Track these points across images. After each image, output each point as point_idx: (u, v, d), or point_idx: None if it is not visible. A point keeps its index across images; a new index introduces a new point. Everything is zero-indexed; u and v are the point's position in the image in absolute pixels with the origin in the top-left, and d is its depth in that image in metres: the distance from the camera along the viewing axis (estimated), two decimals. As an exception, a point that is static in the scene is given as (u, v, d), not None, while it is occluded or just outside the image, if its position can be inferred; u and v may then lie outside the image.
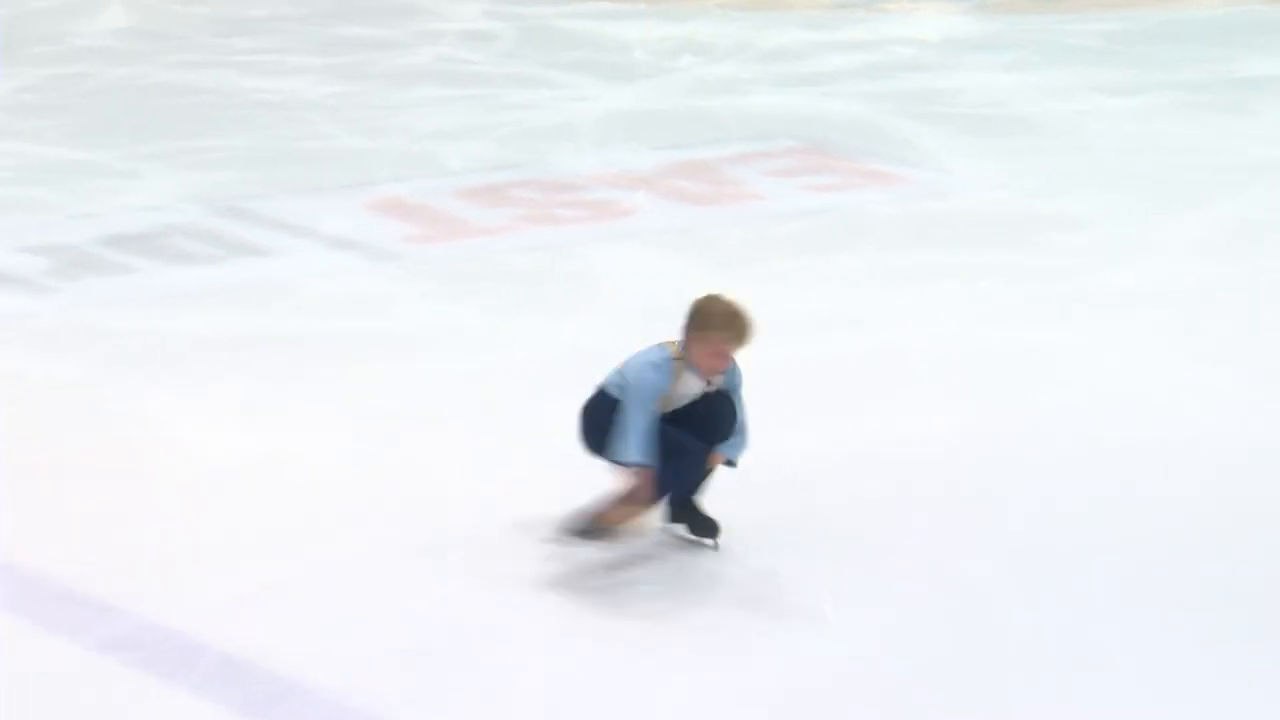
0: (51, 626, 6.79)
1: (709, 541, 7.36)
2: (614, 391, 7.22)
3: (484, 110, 14.15)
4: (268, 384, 9.08)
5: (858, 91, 14.88)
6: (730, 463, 7.36)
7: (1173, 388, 9.16)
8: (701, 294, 7.29)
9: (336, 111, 14.08)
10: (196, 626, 6.74)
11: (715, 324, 7.20)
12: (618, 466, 7.17)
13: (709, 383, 7.27)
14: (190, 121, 13.72)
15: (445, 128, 13.65)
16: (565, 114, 14.11)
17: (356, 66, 15.47)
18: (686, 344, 7.22)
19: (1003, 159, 13.08)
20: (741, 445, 7.36)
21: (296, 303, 10.23)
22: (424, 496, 7.81)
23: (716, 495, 7.40)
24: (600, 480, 7.39)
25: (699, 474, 7.33)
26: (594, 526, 7.33)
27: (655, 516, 7.34)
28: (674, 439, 7.18)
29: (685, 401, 7.25)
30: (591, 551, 7.29)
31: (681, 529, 7.39)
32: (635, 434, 7.10)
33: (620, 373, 7.24)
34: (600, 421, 7.21)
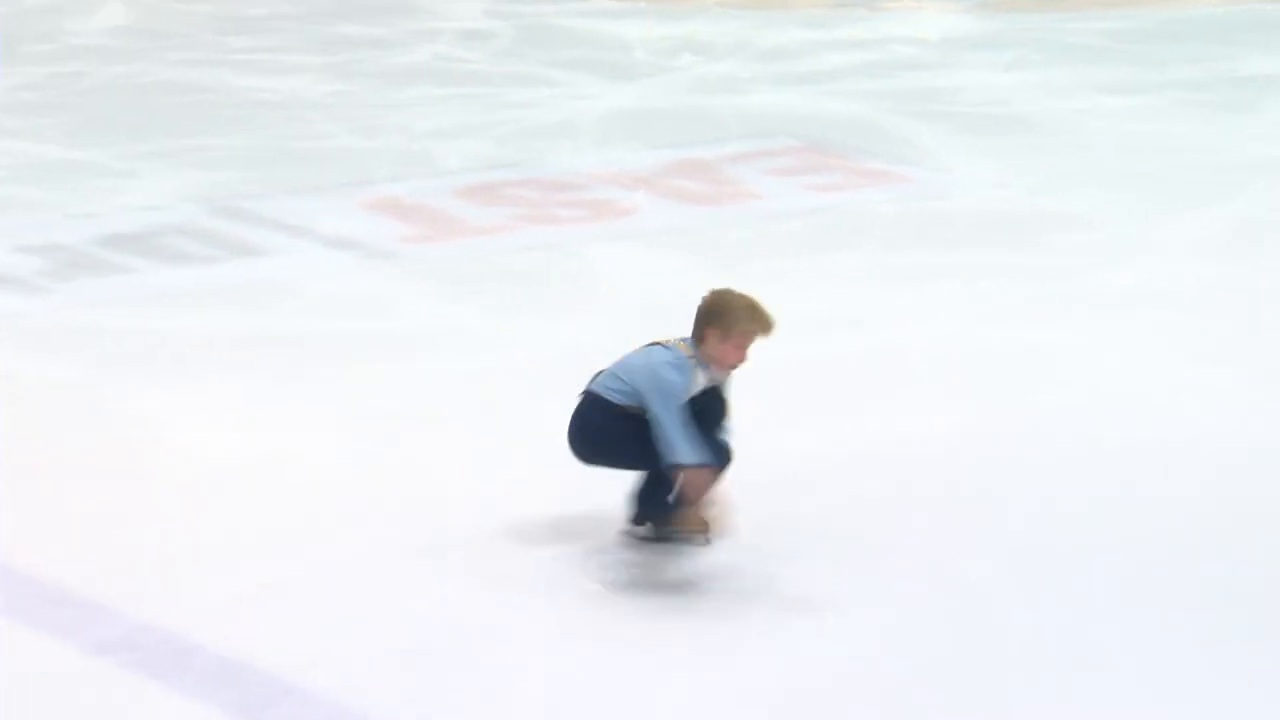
0: (48, 628, 6.78)
1: (700, 538, 7.35)
2: (617, 398, 7.19)
3: (482, 109, 14.14)
4: (266, 384, 9.07)
5: (858, 90, 14.87)
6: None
7: (1173, 388, 9.15)
8: (708, 291, 7.26)
9: (334, 110, 14.07)
10: (194, 627, 6.73)
11: (741, 318, 7.17)
12: (675, 470, 7.08)
13: (710, 380, 7.26)
14: (188, 120, 13.71)
15: (443, 126, 13.65)
16: (564, 113, 14.10)
17: (354, 65, 15.46)
18: (703, 341, 7.20)
19: (1003, 158, 13.07)
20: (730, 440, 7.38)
21: (294, 303, 10.22)
22: (424, 496, 7.81)
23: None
24: (602, 482, 7.40)
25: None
26: (670, 532, 7.29)
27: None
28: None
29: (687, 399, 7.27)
30: (591, 552, 7.28)
31: (666, 531, 7.38)
32: (683, 436, 7.07)
33: (621, 378, 7.21)
34: (605, 430, 7.19)
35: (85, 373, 9.17)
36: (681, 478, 7.07)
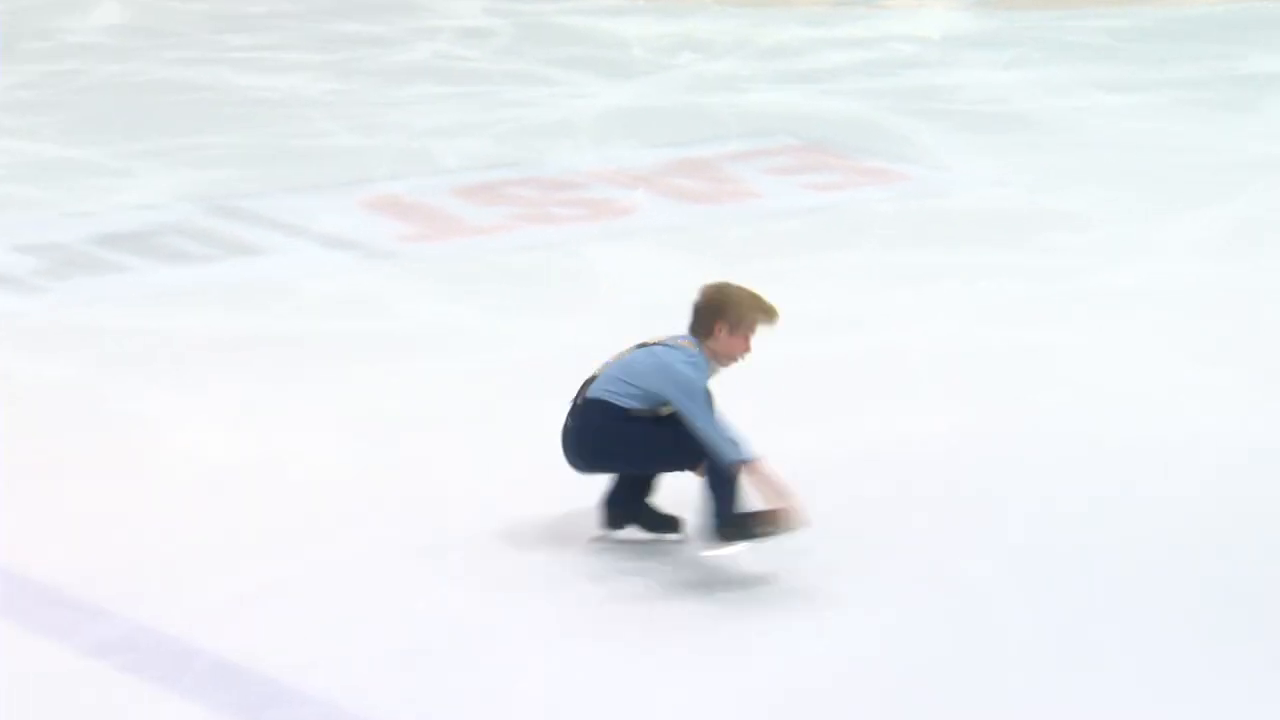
0: (46, 629, 6.78)
1: (673, 536, 7.35)
2: (628, 402, 7.17)
3: (481, 107, 14.12)
4: (264, 384, 9.06)
5: (857, 89, 14.86)
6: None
7: (1172, 387, 9.14)
8: (706, 286, 7.27)
9: (333, 109, 14.05)
10: (193, 628, 6.73)
11: (748, 309, 7.22)
12: (734, 467, 7.06)
13: (715, 373, 7.29)
14: (185, 119, 13.69)
15: (442, 125, 13.63)
16: (563, 111, 14.08)
17: (353, 63, 15.45)
18: (711, 336, 7.21)
19: (1003, 156, 13.05)
20: None
21: (292, 302, 10.21)
22: (424, 496, 7.81)
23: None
24: (602, 482, 7.39)
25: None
26: (765, 532, 7.18)
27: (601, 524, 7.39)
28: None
29: None
30: (591, 552, 7.29)
31: (636, 531, 7.38)
32: (724, 435, 7.08)
33: (630, 382, 7.17)
34: (618, 435, 7.16)
35: (82, 372, 9.15)
36: (743, 474, 7.07)
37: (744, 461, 7.06)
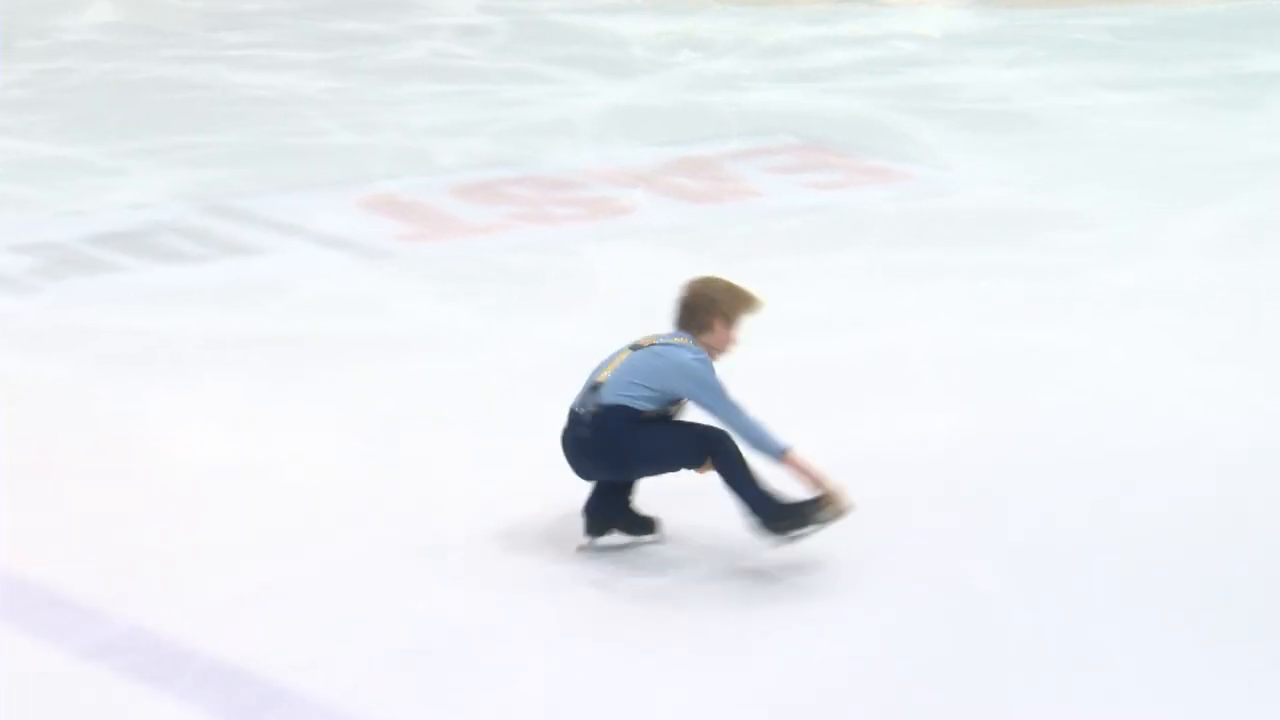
0: (42, 630, 6.77)
1: (649, 537, 7.34)
2: (644, 405, 7.13)
3: (479, 106, 14.14)
4: (260, 384, 9.04)
5: (859, 87, 14.88)
6: None
7: (1174, 388, 9.13)
8: (694, 283, 7.29)
9: (329, 107, 14.07)
10: (192, 628, 6.73)
11: (740, 301, 7.27)
12: (784, 459, 7.10)
13: None
14: (180, 117, 13.72)
15: (439, 123, 13.65)
16: (561, 110, 14.10)
17: (350, 61, 15.48)
18: (709, 330, 7.22)
19: (1005, 155, 13.07)
20: None
21: (288, 302, 10.19)
22: (423, 497, 7.80)
23: (717, 496, 7.34)
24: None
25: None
26: (822, 518, 7.16)
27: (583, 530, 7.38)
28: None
29: None
30: (591, 552, 7.27)
31: (614, 537, 7.36)
32: (757, 428, 7.09)
33: (643, 384, 7.12)
34: (638, 438, 7.11)
35: (78, 372, 9.15)
36: (784, 464, 7.09)
37: (786, 450, 7.07)
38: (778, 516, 7.10)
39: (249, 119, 13.71)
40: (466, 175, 12.43)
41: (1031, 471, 8.14)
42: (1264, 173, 12.70)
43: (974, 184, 12.55)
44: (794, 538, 7.14)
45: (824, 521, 7.12)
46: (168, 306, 10.03)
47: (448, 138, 13.28)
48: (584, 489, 7.35)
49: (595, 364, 7.32)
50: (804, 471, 7.10)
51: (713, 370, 7.17)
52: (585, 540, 7.34)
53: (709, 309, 7.22)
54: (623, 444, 7.14)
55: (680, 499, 7.39)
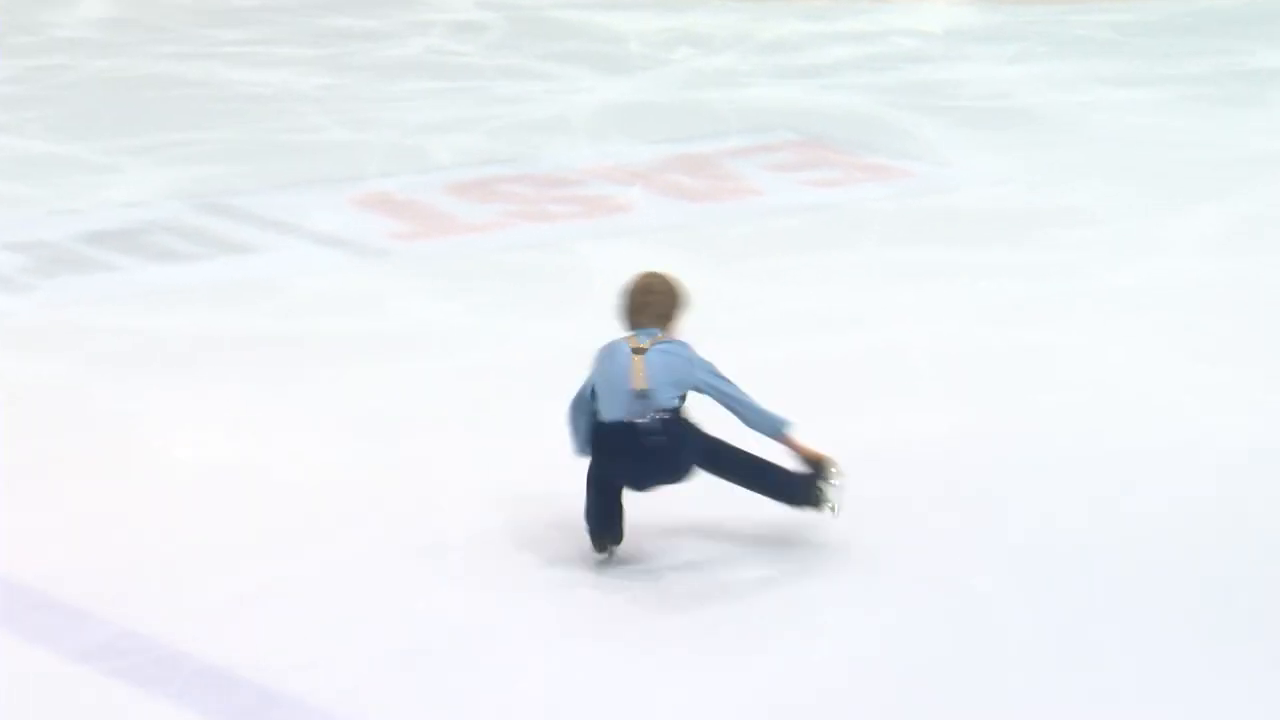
0: (34, 632, 6.75)
1: (841, 481, 7.41)
2: (679, 403, 7.16)
3: (475, 103, 14.12)
4: (255, 384, 9.02)
5: (858, 84, 14.86)
6: None
7: (1174, 387, 9.10)
8: (652, 279, 7.32)
9: (324, 104, 14.05)
10: (191, 630, 6.73)
11: (687, 295, 7.37)
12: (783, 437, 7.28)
13: None
14: (174, 114, 13.71)
15: (435, 121, 13.64)
16: (558, 107, 14.07)
17: (345, 58, 15.47)
18: (674, 323, 7.26)
19: (1006, 153, 13.04)
20: None
21: (284, 301, 10.16)
22: (423, 496, 7.79)
23: (717, 497, 7.35)
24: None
25: None
26: (831, 488, 7.32)
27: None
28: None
29: None
30: (591, 552, 7.24)
31: (827, 487, 7.42)
32: (761, 407, 7.21)
33: (672, 386, 7.12)
34: (701, 440, 7.17)
35: (72, 371, 9.12)
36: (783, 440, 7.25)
37: (788, 425, 7.24)
38: (803, 489, 7.29)
39: (244, 116, 13.69)
40: (462, 173, 12.40)
41: (1031, 471, 8.13)
42: (1265, 169, 12.66)
43: (975, 181, 12.52)
44: (829, 503, 7.31)
45: (833, 484, 7.30)
46: (162, 305, 10.01)
47: (443, 135, 13.25)
48: (581, 487, 7.28)
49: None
50: (799, 447, 7.26)
51: None
52: (608, 551, 7.27)
53: (673, 304, 7.27)
54: (689, 446, 7.16)
55: (680, 499, 7.37)
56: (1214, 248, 11.17)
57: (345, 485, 7.91)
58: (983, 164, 12.82)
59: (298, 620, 6.84)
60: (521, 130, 13.44)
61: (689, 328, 7.36)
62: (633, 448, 7.12)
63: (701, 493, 7.32)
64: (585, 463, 7.27)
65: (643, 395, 7.11)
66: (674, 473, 7.20)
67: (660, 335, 7.20)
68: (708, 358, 7.21)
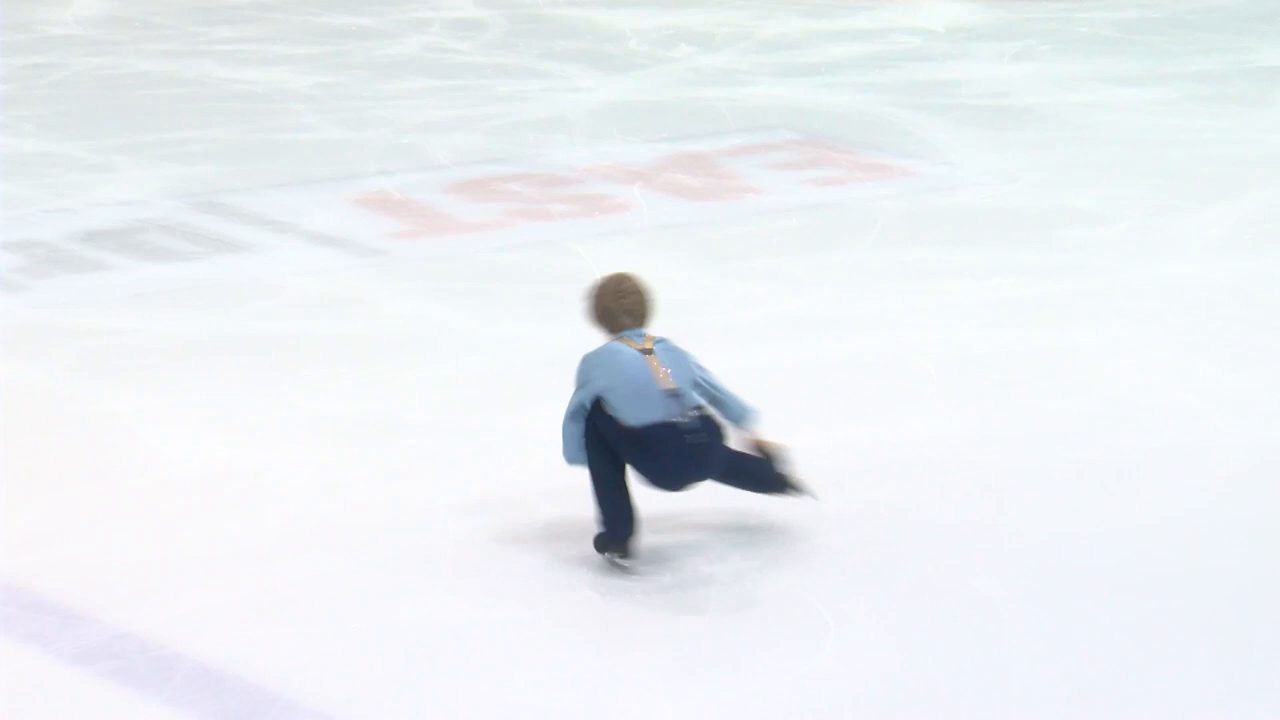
0: (26, 635, 6.70)
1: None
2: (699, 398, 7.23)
3: (473, 102, 14.11)
4: (251, 385, 8.98)
5: (860, 82, 14.87)
6: None
7: (1185, 390, 9.06)
8: (625, 282, 7.34)
9: (321, 102, 14.05)
10: (182, 634, 6.69)
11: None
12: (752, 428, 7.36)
13: None
14: (167, 113, 13.72)
15: (433, 119, 13.63)
16: (557, 105, 14.08)
17: (342, 56, 15.48)
18: (648, 325, 7.27)
19: (1010, 152, 13.03)
20: None
21: (279, 301, 10.12)
22: (420, 498, 7.76)
23: (716, 498, 7.33)
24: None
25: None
26: (789, 469, 7.38)
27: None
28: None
29: None
30: (588, 554, 7.21)
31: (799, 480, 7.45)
32: (740, 399, 7.31)
33: (698, 385, 7.17)
34: (722, 434, 7.21)
35: (64, 372, 9.09)
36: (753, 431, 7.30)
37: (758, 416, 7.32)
38: (782, 478, 7.33)
39: (238, 115, 13.69)
40: (460, 172, 12.39)
41: (1038, 473, 8.09)
42: (1273, 169, 12.67)
43: (978, 181, 12.50)
44: (801, 489, 7.38)
45: (792, 467, 7.41)
46: (156, 305, 9.98)
47: (441, 134, 13.24)
48: (579, 492, 7.23)
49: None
50: (758, 438, 7.32)
51: None
52: (628, 563, 7.20)
53: (651, 305, 7.29)
54: (721, 440, 7.20)
55: (679, 499, 7.33)
56: (1225, 248, 11.15)
57: (340, 486, 7.88)
58: (985, 163, 12.81)
59: (289, 624, 6.81)
60: (520, 129, 13.43)
61: (688, 328, 7.33)
62: (678, 448, 7.07)
63: (700, 492, 7.28)
64: (580, 469, 7.20)
65: (675, 394, 7.09)
66: (712, 469, 7.19)
67: (646, 335, 7.18)
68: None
